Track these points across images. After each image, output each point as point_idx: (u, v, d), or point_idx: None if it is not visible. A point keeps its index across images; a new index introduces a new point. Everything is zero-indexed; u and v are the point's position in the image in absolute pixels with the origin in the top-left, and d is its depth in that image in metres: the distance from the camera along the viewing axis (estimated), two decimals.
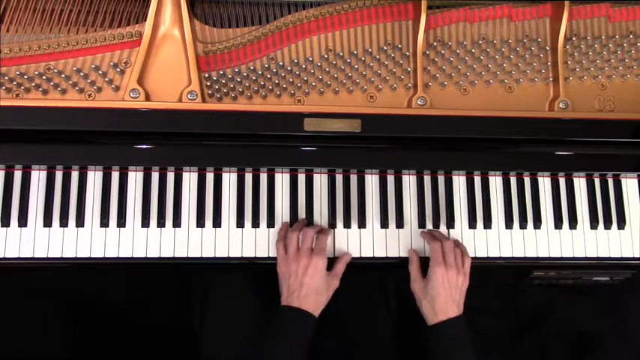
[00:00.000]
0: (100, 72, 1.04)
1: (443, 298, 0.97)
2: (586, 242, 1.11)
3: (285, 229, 1.05)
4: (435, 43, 1.11)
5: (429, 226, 1.10)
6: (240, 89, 1.06)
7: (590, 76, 1.13)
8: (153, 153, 1.04)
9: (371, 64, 1.09)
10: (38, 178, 1.06)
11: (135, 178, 1.07)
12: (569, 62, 1.13)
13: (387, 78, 1.09)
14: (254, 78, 1.07)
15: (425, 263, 1.03)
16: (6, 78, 1.02)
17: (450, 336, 0.97)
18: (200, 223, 1.06)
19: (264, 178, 1.10)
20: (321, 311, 0.99)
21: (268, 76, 1.07)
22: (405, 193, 1.11)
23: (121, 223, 1.05)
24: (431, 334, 0.98)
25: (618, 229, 1.12)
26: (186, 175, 1.08)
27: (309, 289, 0.96)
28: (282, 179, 1.10)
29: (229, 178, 1.09)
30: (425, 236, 1.07)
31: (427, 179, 1.12)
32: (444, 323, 0.96)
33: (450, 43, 1.10)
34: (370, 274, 1.23)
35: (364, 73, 1.09)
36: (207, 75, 1.05)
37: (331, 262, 1.05)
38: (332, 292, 1.01)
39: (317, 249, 1.01)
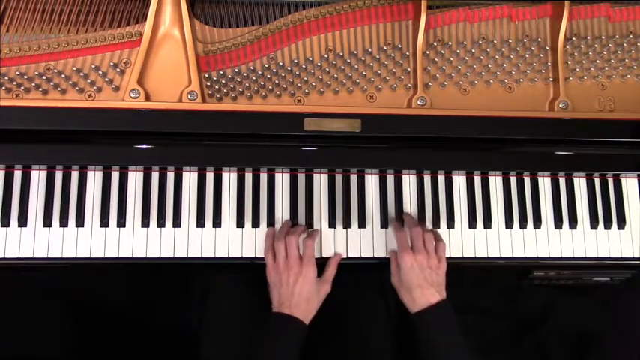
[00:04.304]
0: (100, 72, 1.04)
1: (417, 282, 0.97)
2: (586, 242, 1.11)
3: (271, 236, 1.05)
4: (435, 43, 1.11)
5: (429, 225, 1.10)
6: (240, 89, 1.06)
7: (590, 76, 1.13)
8: (153, 153, 1.04)
9: (371, 64, 1.09)
10: (38, 178, 1.06)
11: (135, 178, 1.07)
12: (569, 62, 1.13)
13: (387, 78, 1.09)
14: (254, 78, 1.07)
15: None
16: (6, 78, 1.02)
17: (433, 322, 0.96)
18: (200, 223, 1.06)
19: (264, 178, 1.10)
20: (312, 316, 0.99)
21: (268, 76, 1.07)
22: (405, 193, 1.11)
23: (121, 223, 1.05)
24: (413, 321, 0.97)
25: (618, 229, 1.12)
26: (186, 175, 1.08)
27: (299, 298, 0.97)
28: (282, 179, 1.10)
29: (229, 178, 1.09)
30: (392, 225, 1.07)
31: (427, 179, 1.12)
32: (425, 310, 0.96)
33: (450, 43, 1.10)
34: (370, 273, 1.23)
35: (364, 73, 1.09)
36: (207, 75, 1.05)
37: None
38: (323, 296, 1.01)
39: (306, 257, 1.00)
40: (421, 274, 0.98)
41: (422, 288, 0.97)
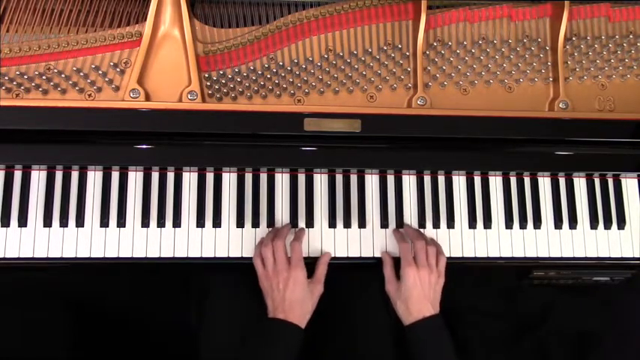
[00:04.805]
0: (100, 72, 1.04)
1: (416, 297, 0.98)
2: (586, 242, 1.11)
3: (261, 244, 1.04)
4: (435, 43, 1.11)
5: (429, 225, 1.10)
6: (240, 89, 1.06)
7: (590, 76, 1.13)
8: (153, 153, 1.04)
9: (371, 64, 1.09)
10: (38, 178, 1.06)
11: (135, 178, 1.07)
12: (569, 62, 1.13)
13: (387, 78, 1.09)
14: (254, 78, 1.07)
15: (399, 264, 1.03)
16: (6, 78, 1.02)
17: (426, 335, 0.97)
18: (200, 223, 1.06)
19: (264, 178, 1.10)
20: (309, 318, 0.99)
21: (268, 76, 1.07)
22: (405, 193, 1.11)
23: (121, 223, 1.05)
24: (407, 334, 0.98)
25: (618, 229, 1.12)
26: (186, 175, 1.08)
27: (292, 302, 0.97)
28: (282, 179, 1.10)
29: (229, 178, 1.09)
30: (395, 235, 1.07)
31: (427, 179, 1.12)
32: (419, 323, 0.97)
33: (450, 43, 1.10)
34: (370, 273, 1.23)
35: (364, 73, 1.09)
36: (207, 75, 1.05)
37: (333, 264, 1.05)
38: (317, 298, 1.01)
39: (294, 261, 1.00)
40: (422, 290, 0.98)
41: (420, 303, 0.97)
